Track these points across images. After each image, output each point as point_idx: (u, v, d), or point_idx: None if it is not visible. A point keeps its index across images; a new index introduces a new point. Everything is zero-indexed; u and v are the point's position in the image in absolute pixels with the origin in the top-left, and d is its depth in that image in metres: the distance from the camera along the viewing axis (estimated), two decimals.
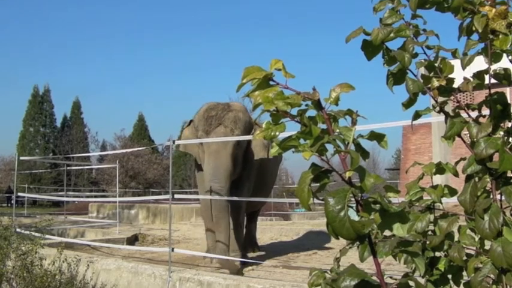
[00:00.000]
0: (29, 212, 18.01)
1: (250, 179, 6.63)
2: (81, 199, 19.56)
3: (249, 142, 6.42)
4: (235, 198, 6.03)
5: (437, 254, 1.17)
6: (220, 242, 6.05)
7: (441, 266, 1.15)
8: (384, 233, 0.96)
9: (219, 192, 5.99)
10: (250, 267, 6.08)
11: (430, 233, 1.19)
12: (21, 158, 13.60)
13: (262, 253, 7.43)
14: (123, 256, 7.31)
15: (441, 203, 1.22)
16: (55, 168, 34.00)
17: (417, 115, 1.19)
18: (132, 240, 9.33)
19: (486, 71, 1.13)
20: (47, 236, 6.94)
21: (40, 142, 39.35)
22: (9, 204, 26.49)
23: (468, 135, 1.12)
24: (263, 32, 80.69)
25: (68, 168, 25.37)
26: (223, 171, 6.03)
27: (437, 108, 1.19)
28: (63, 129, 40.11)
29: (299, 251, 7.51)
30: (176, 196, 6.40)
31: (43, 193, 23.61)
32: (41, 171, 30.58)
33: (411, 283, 0.98)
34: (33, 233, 6.78)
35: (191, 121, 6.83)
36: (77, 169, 32.46)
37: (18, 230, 7.05)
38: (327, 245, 7.92)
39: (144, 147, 17.72)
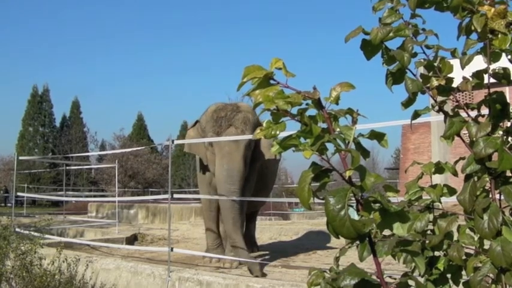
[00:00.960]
0: (28, 211, 17.98)
1: (252, 180, 6.64)
2: (81, 199, 19.53)
3: (255, 143, 6.43)
4: (234, 198, 6.02)
5: (437, 253, 1.17)
6: (240, 244, 5.94)
7: (440, 265, 1.16)
8: (383, 233, 0.96)
9: (232, 195, 5.99)
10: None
11: (429, 232, 1.20)
12: (21, 157, 13.60)
13: (262, 253, 7.43)
14: (122, 256, 7.31)
15: (440, 203, 1.22)
16: (54, 168, 33.98)
17: (416, 114, 1.19)
18: (132, 239, 9.32)
19: (485, 71, 1.13)
20: (46, 236, 6.94)
21: (39, 142, 39.29)
22: (8, 204, 26.44)
23: (467, 134, 1.12)
24: (263, 32, 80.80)
25: (67, 168, 25.31)
26: (237, 173, 6.05)
27: (437, 108, 1.19)
28: (62, 129, 40.06)
29: (298, 251, 7.50)
30: (175, 196, 6.40)
31: (42, 193, 23.56)
32: (40, 170, 30.55)
33: (411, 282, 0.98)
34: (32, 233, 6.77)
35: (197, 122, 6.82)
36: (76, 169, 32.37)
37: (17, 229, 7.04)
38: (326, 245, 7.92)
39: (143, 147, 17.67)
